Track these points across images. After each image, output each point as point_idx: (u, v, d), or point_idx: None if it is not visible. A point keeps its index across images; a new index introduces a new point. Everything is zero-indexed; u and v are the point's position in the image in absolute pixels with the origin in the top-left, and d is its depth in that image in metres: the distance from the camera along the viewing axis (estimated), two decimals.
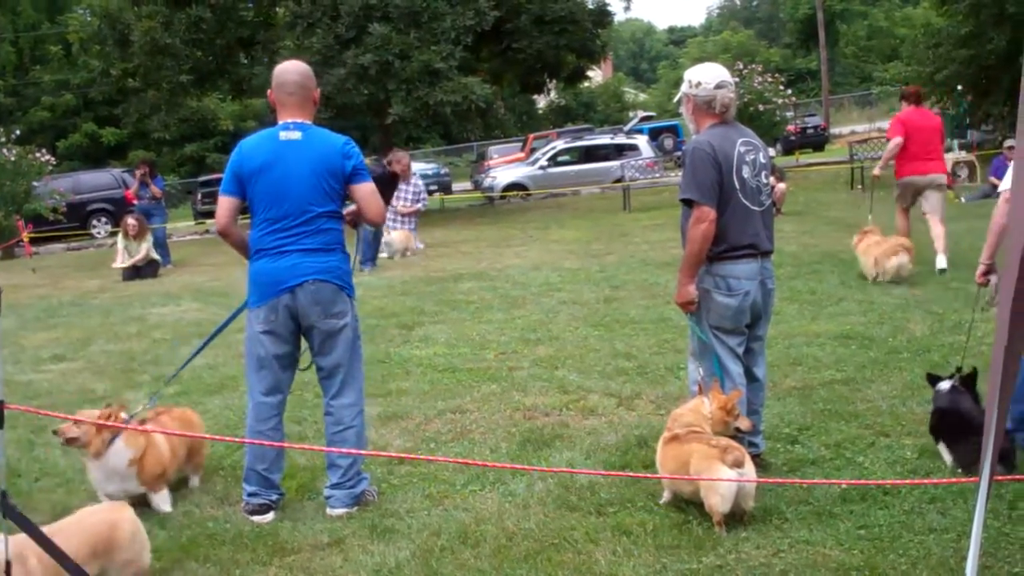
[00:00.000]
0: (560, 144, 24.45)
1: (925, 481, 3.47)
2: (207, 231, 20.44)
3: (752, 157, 3.64)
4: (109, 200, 22.16)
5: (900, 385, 4.80)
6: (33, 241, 16.06)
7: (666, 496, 3.53)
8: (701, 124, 3.69)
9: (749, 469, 3.23)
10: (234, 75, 21.09)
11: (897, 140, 8.17)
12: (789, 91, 23.37)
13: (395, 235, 12.04)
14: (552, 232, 14.26)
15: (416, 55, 16.97)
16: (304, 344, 3.74)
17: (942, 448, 3.76)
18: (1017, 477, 3.37)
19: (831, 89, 38.26)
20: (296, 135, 3.57)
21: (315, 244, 3.56)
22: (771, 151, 15.71)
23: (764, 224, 3.68)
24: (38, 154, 19.39)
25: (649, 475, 3.67)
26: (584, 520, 3.41)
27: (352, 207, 3.75)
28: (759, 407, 3.88)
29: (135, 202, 13.87)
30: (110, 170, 25.03)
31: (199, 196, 25.35)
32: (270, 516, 3.65)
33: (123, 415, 3.75)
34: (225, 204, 3.64)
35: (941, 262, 7.99)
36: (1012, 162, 3.73)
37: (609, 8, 21.46)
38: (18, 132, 20.35)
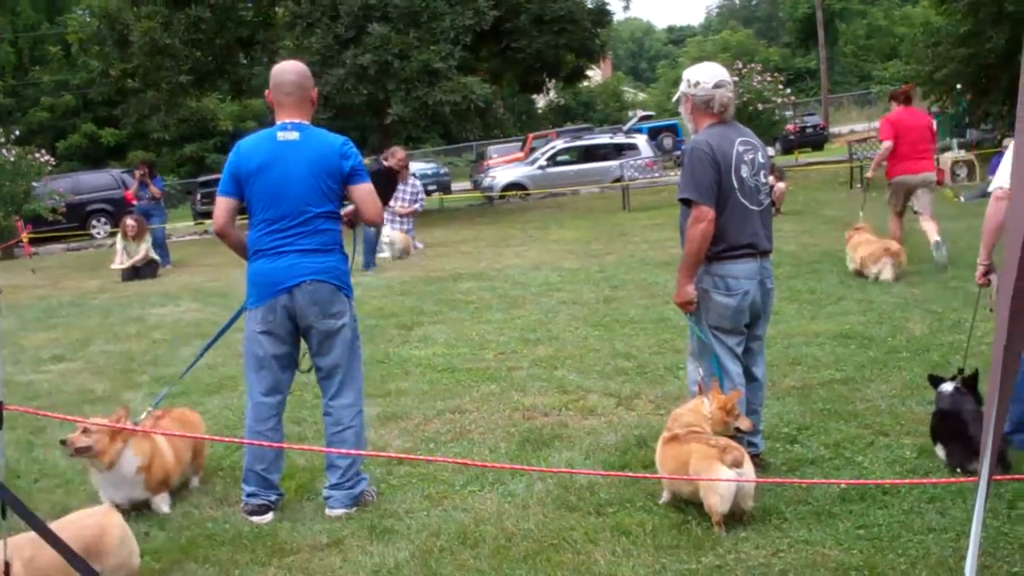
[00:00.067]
0: (559, 144, 24.45)
1: (924, 481, 3.47)
2: (206, 231, 20.42)
3: (751, 156, 3.64)
4: (108, 200, 22.16)
5: (899, 384, 4.80)
6: (32, 241, 16.05)
7: (665, 496, 3.53)
8: (700, 124, 3.69)
9: (748, 469, 3.23)
10: (233, 75, 21.09)
11: (887, 144, 8.28)
12: (788, 90, 23.37)
13: (396, 235, 12.05)
14: (551, 232, 14.26)
15: (415, 55, 16.97)
16: (304, 347, 3.74)
17: (939, 448, 3.76)
18: (1016, 476, 3.37)
19: (830, 88, 38.26)
20: (294, 135, 3.56)
21: (313, 244, 3.56)
22: (770, 150, 15.76)
23: (763, 223, 3.68)
24: (37, 154, 19.38)
25: (648, 475, 3.66)
26: (583, 520, 3.41)
27: (350, 207, 3.75)
28: (758, 407, 3.88)
29: (134, 202, 13.86)
30: (109, 170, 25.02)
31: (198, 196, 25.34)
32: (269, 516, 3.64)
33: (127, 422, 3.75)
34: (223, 205, 3.63)
35: (936, 237, 8.13)
36: (1002, 159, 3.75)
37: (608, 7, 21.48)
38: (17, 132, 20.34)
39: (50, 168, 20.10)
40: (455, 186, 29.07)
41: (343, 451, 3.57)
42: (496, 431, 4.55)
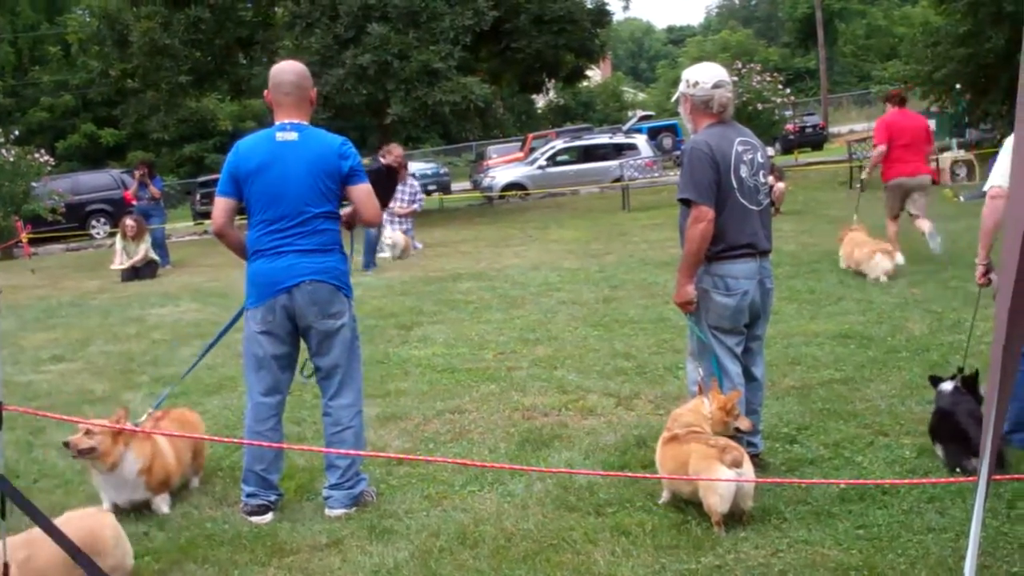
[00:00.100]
0: (559, 144, 24.44)
1: (924, 481, 3.47)
2: (205, 232, 20.41)
3: (750, 156, 3.64)
4: (108, 201, 22.15)
5: (899, 384, 4.80)
6: (32, 242, 16.04)
7: (665, 496, 3.53)
8: (699, 124, 3.70)
9: (747, 469, 3.23)
10: (233, 75, 21.09)
11: (880, 149, 8.36)
12: (788, 90, 23.38)
13: (398, 236, 12.06)
14: (551, 232, 14.26)
15: (415, 55, 16.97)
16: (304, 353, 3.73)
17: (938, 448, 3.77)
18: (1016, 476, 3.37)
19: (830, 88, 38.26)
20: (292, 136, 3.56)
21: (312, 245, 3.55)
22: (770, 150, 15.76)
23: (762, 223, 3.68)
24: (37, 155, 19.38)
25: (648, 475, 3.66)
26: (583, 520, 3.41)
27: (348, 209, 3.75)
28: (758, 407, 3.88)
29: (134, 203, 13.87)
30: (109, 171, 25.02)
31: (198, 197, 25.33)
32: (268, 517, 3.64)
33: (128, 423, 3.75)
34: (221, 205, 3.63)
35: (930, 228, 8.27)
36: (997, 158, 3.77)
37: (608, 7, 21.49)
38: (17, 133, 20.34)
39: (49, 168, 20.10)
40: (455, 186, 29.07)
41: (342, 451, 3.57)
42: (495, 431, 4.55)
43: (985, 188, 3.87)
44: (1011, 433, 3.75)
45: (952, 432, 3.65)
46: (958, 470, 3.56)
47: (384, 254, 11.82)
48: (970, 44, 20.04)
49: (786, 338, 5.90)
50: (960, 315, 6.01)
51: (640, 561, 3.05)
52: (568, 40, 19.53)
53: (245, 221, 3.73)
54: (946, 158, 16.80)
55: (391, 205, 11.93)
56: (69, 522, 2.89)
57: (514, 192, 22.52)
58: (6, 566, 2.53)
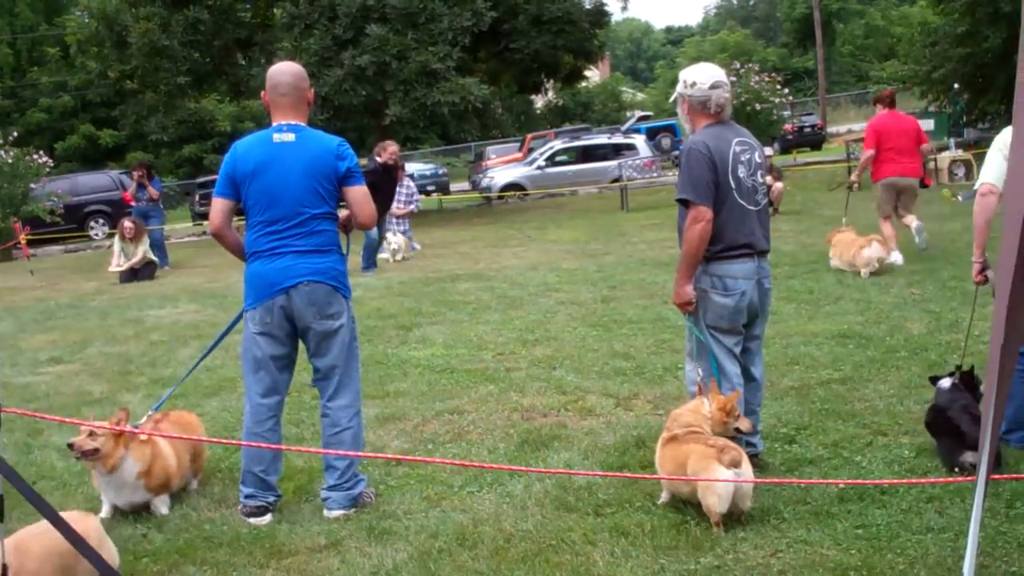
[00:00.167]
0: (558, 144, 24.45)
1: (923, 480, 3.47)
2: (204, 232, 20.41)
3: (747, 157, 3.64)
4: (107, 202, 22.15)
5: (897, 384, 4.80)
6: (31, 243, 16.03)
7: (664, 496, 3.53)
8: (697, 124, 3.70)
9: (746, 469, 3.23)
10: (232, 76, 21.08)
11: (869, 153, 8.51)
12: (786, 90, 23.44)
13: (400, 238, 12.07)
14: (550, 232, 14.26)
15: (413, 56, 16.97)
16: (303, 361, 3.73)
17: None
18: (1014, 476, 3.37)
19: (828, 88, 38.30)
20: (290, 137, 3.56)
21: (310, 246, 3.55)
22: (769, 150, 15.78)
23: (760, 223, 3.68)
24: (36, 156, 19.38)
25: (647, 476, 3.66)
26: (582, 521, 3.41)
27: (345, 212, 3.74)
28: (757, 407, 3.88)
29: (133, 204, 13.87)
30: (108, 172, 25.02)
31: (197, 198, 25.34)
32: (267, 518, 3.64)
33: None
34: (219, 206, 3.63)
35: (916, 223, 8.43)
36: (989, 156, 3.80)
37: (606, 8, 21.51)
38: (16, 134, 20.33)
39: (48, 169, 20.10)
40: (453, 187, 29.07)
41: (341, 452, 3.57)
42: (494, 432, 4.55)
43: (976, 186, 3.89)
44: (1009, 433, 3.76)
45: (946, 427, 3.67)
46: (956, 469, 3.56)
47: (383, 254, 11.82)
48: (968, 44, 20.07)
49: (785, 338, 5.91)
50: (959, 315, 6.01)
51: (639, 562, 3.05)
52: (566, 40, 19.54)
53: (243, 222, 3.73)
54: (944, 158, 16.81)
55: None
56: (52, 528, 2.85)
57: (513, 192, 22.53)
58: (4, 567, 2.52)
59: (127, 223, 12.51)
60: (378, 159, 11.00)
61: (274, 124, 3.61)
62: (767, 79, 21.72)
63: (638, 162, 20.29)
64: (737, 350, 3.71)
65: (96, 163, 32.19)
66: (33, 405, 5.59)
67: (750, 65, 21.91)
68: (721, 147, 3.57)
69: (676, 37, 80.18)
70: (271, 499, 3.70)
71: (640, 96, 56.28)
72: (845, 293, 7.32)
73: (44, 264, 16.63)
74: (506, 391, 5.25)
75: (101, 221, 22.28)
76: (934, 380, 3.98)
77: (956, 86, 20.53)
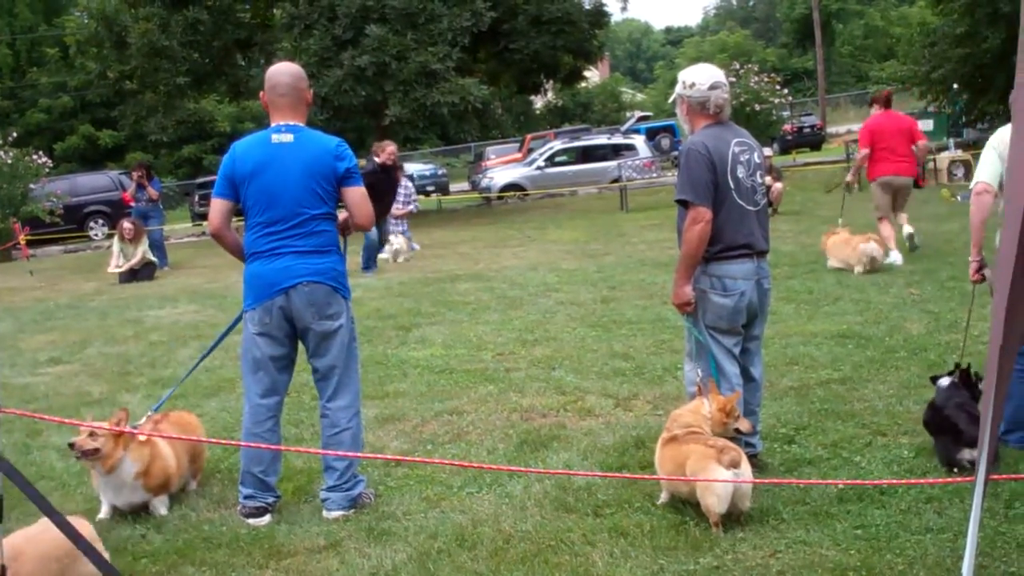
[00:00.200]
0: (557, 144, 24.46)
1: (922, 481, 3.47)
2: (204, 233, 20.41)
3: (746, 157, 3.65)
4: (106, 202, 22.16)
5: (897, 384, 4.80)
6: (30, 243, 16.03)
7: (664, 497, 3.53)
8: (696, 125, 3.70)
9: (745, 470, 3.23)
10: (231, 77, 21.08)
11: (863, 153, 8.60)
12: (785, 91, 23.45)
13: (401, 240, 12.08)
14: (549, 232, 14.27)
15: (413, 56, 16.97)
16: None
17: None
18: (1013, 476, 3.37)
19: (827, 88, 38.33)
20: (288, 137, 3.56)
21: (309, 246, 3.55)
22: (768, 151, 15.79)
23: (759, 224, 3.68)
24: (35, 156, 19.38)
25: (646, 476, 3.66)
26: (581, 521, 3.41)
27: (344, 216, 3.74)
28: (756, 407, 3.88)
29: (132, 204, 13.87)
30: (107, 172, 25.03)
31: (196, 198, 25.34)
32: (266, 519, 3.64)
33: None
34: (218, 207, 3.63)
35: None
36: (984, 155, 3.83)
37: (606, 8, 21.52)
38: (15, 134, 20.33)
39: (48, 170, 20.10)
40: (453, 187, 29.09)
41: (340, 453, 3.57)
42: (494, 432, 4.55)
43: (971, 185, 3.91)
44: (1007, 433, 3.76)
45: (942, 424, 3.67)
46: (955, 469, 3.56)
47: (384, 255, 11.82)
48: (967, 44, 20.09)
49: (784, 338, 5.91)
50: (957, 315, 6.01)
51: (638, 562, 3.05)
52: (566, 41, 19.55)
53: (243, 223, 3.73)
54: (943, 158, 16.83)
55: None
56: (47, 529, 2.84)
57: (512, 193, 22.53)
58: (3, 568, 2.52)
59: (126, 224, 12.52)
60: (376, 160, 10.98)
61: (273, 125, 3.61)
62: (766, 80, 21.73)
63: (637, 162, 20.30)
64: (736, 350, 3.72)
65: (95, 164, 32.19)
66: (32, 406, 5.59)
67: (749, 66, 21.94)
68: (720, 148, 3.58)
69: (675, 37, 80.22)
70: (270, 500, 3.69)
71: (639, 96, 56.30)
72: (844, 293, 7.32)
73: (43, 264, 16.63)
74: (505, 391, 5.25)
75: (100, 221, 22.28)
76: (935, 380, 3.98)
77: (955, 86, 20.55)
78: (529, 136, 30.16)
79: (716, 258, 3.59)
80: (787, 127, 28.80)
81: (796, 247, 10.00)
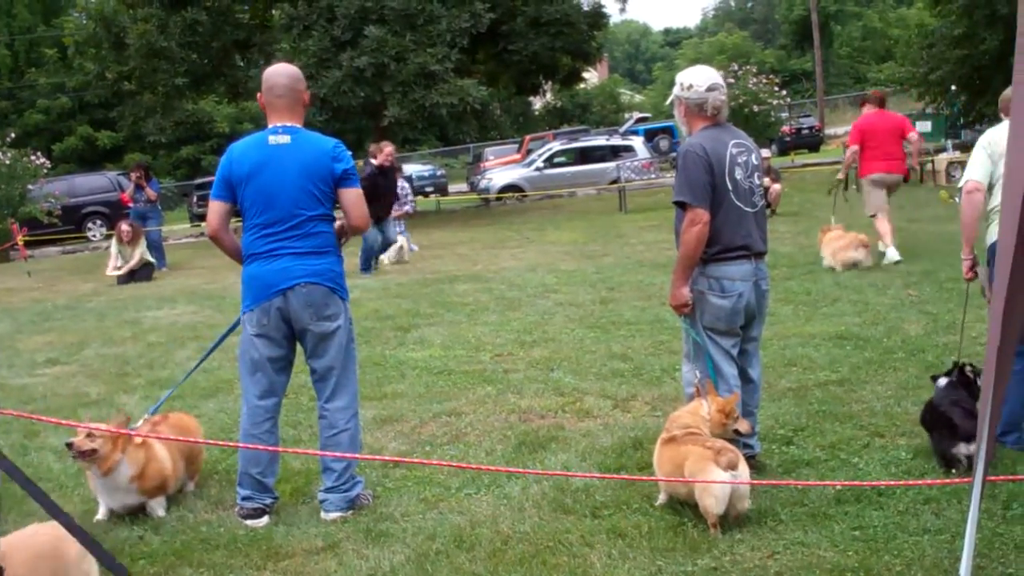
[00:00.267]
0: (556, 145, 24.46)
1: (919, 482, 3.47)
2: (202, 234, 20.40)
3: (744, 159, 3.65)
4: (104, 203, 22.14)
5: (895, 386, 4.81)
6: (28, 244, 16.02)
7: (662, 498, 3.53)
8: (693, 126, 3.70)
9: (743, 471, 3.23)
10: (230, 78, 21.08)
11: (853, 149, 8.70)
12: (784, 92, 23.46)
13: (402, 241, 12.09)
14: (548, 234, 14.27)
15: (412, 57, 16.97)
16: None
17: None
18: (1011, 477, 3.38)
19: (826, 90, 38.38)
20: (285, 139, 3.56)
21: (306, 247, 3.55)
22: (766, 152, 15.79)
23: (757, 225, 3.69)
24: (33, 157, 19.35)
25: (644, 477, 3.66)
26: (579, 523, 3.41)
27: (340, 222, 3.74)
28: (754, 408, 3.88)
29: (130, 205, 13.86)
30: (105, 173, 24.99)
31: (195, 199, 25.31)
32: (264, 520, 3.63)
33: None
34: (216, 208, 3.63)
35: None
36: (974, 154, 3.87)
37: (604, 10, 21.55)
38: (13, 135, 20.30)
39: (46, 171, 20.07)
40: (452, 188, 29.08)
41: (338, 454, 3.56)
42: (492, 433, 4.54)
43: (961, 183, 3.94)
44: (1004, 435, 3.76)
45: (937, 420, 3.69)
46: (952, 469, 3.56)
47: (384, 256, 11.81)
48: (965, 46, 20.11)
49: (782, 339, 5.91)
50: (956, 316, 6.01)
51: (636, 563, 3.05)
52: (565, 42, 19.57)
53: (242, 224, 3.73)
54: (941, 159, 16.85)
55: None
56: (36, 535, 2.81)
57: (511, 194, 22.53)
58: (1, 570, 2.52)
59: (124, 226, 12.51)
60: (374, 161, 10.97)
61: (270, 126, 3.61)
62: (765, 81, 21.74)
63: (636, 163, 20.31)
64: (734, 352, 3.72)
65: (94, 164, 32.16)
66: (30, 407, 5.59)
67: (748, 67, 21.96)
68: (718, 149, 3.58)
69: (674, 39, 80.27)
70: (268, 501, 3.69)
71: (638, 98, 56.32)
72: (842, 295, 7.32)
73: (41, 265, 16.61)
74: (504, 392, 5.25)
75: (99, 222, 22.26)
76: (935, 379, 3.99)
77: (953, 88, 20.57)
78: (528, 137, 30.16)
79: (714, 259, 3.60)
80: (785, 128, 28.83)
81: (794, 248, 10.01)
